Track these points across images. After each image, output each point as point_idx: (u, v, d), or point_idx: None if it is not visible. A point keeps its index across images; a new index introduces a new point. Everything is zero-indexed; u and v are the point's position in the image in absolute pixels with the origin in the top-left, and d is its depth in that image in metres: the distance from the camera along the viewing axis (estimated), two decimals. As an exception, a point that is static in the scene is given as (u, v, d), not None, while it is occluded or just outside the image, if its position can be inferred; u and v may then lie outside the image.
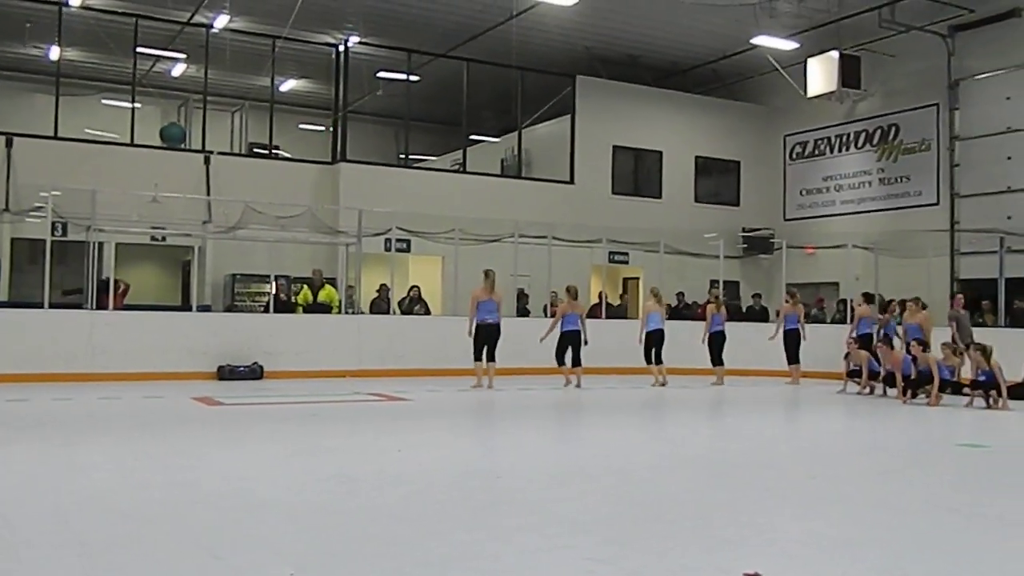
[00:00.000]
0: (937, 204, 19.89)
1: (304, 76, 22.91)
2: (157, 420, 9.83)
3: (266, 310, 16.40)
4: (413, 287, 18.05)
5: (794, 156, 23.36)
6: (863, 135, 21.68)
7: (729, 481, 6.63)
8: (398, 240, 17.60)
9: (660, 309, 15.44)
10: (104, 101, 22.49)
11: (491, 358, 13.71)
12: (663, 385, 14.77)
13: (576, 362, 14.31)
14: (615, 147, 22.18)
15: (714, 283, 18.91)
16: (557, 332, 14.35)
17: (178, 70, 22.25)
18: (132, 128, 18.73)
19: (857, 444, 9.64)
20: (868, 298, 15.56)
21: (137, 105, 19.48)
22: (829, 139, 22.46)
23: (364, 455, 7.50)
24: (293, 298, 17.24)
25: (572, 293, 14.53)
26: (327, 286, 16.70)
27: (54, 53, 19.15)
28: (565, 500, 5.73)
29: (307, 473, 6.44)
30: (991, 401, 12.03)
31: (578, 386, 14.14)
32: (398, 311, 17.41)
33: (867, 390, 14.05)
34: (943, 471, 7.46)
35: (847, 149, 22.06)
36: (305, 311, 16.34)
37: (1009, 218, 17.94)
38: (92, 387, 12.59)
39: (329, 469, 6.59)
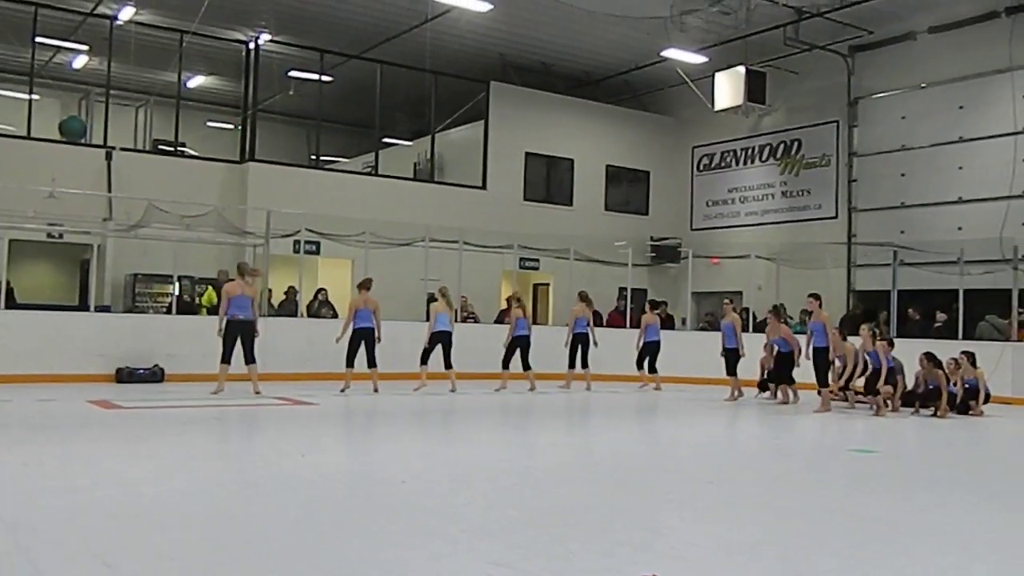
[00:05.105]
0: (836, 218, 20.61)
1: (213, 73, 22.39)
2: (50, 424, 9.48)
3: (168, 311, 15.98)
4: (321, 290, 17.85)
5: (701, 168, 23.91)
6: (767, 149, 22.33)
7: (630, 485, 6.76)
8: (307, 242, 17.35)
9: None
10: (-1, 92, 21.61)
11: (250, 359, 12.55)
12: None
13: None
14: (527, 154, 22.31)
15: (623, 289, 19.25)
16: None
17: (79, 62, 21.49)
18: (29, 120, 17.96)
19: (754, 449, 9.92)
20: (583, 297, 16.18)
21: (35, 97, 18.71)
22: (735, 152, 23.06)
23: (266, 460, 7.38)
24: (197, 299, 16.84)
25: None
26: (233, 288, 16.35)
27: (-55, 40, 18.32)
28: (469, 504, 5.76)
29: (206, 478, 6.31)
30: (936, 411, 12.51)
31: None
32: (306, 314, 17.18)
33: (777, 397, 14.38)
34: (834, 475, 7.74)
35: (752, 162, 22.68)
36: (209, 313, 15.98)
37: (902, 232, 18.68)
38: (-20, 389, 12.07)
39: (229, 474, 6.47)
